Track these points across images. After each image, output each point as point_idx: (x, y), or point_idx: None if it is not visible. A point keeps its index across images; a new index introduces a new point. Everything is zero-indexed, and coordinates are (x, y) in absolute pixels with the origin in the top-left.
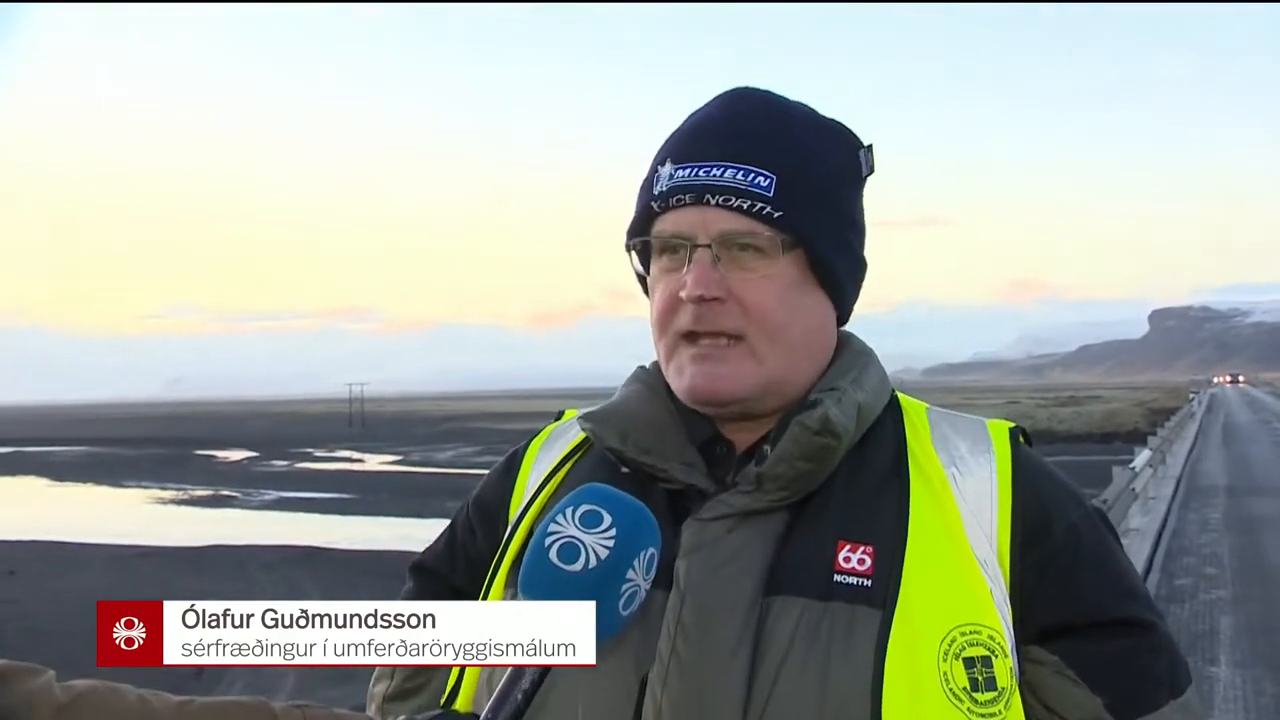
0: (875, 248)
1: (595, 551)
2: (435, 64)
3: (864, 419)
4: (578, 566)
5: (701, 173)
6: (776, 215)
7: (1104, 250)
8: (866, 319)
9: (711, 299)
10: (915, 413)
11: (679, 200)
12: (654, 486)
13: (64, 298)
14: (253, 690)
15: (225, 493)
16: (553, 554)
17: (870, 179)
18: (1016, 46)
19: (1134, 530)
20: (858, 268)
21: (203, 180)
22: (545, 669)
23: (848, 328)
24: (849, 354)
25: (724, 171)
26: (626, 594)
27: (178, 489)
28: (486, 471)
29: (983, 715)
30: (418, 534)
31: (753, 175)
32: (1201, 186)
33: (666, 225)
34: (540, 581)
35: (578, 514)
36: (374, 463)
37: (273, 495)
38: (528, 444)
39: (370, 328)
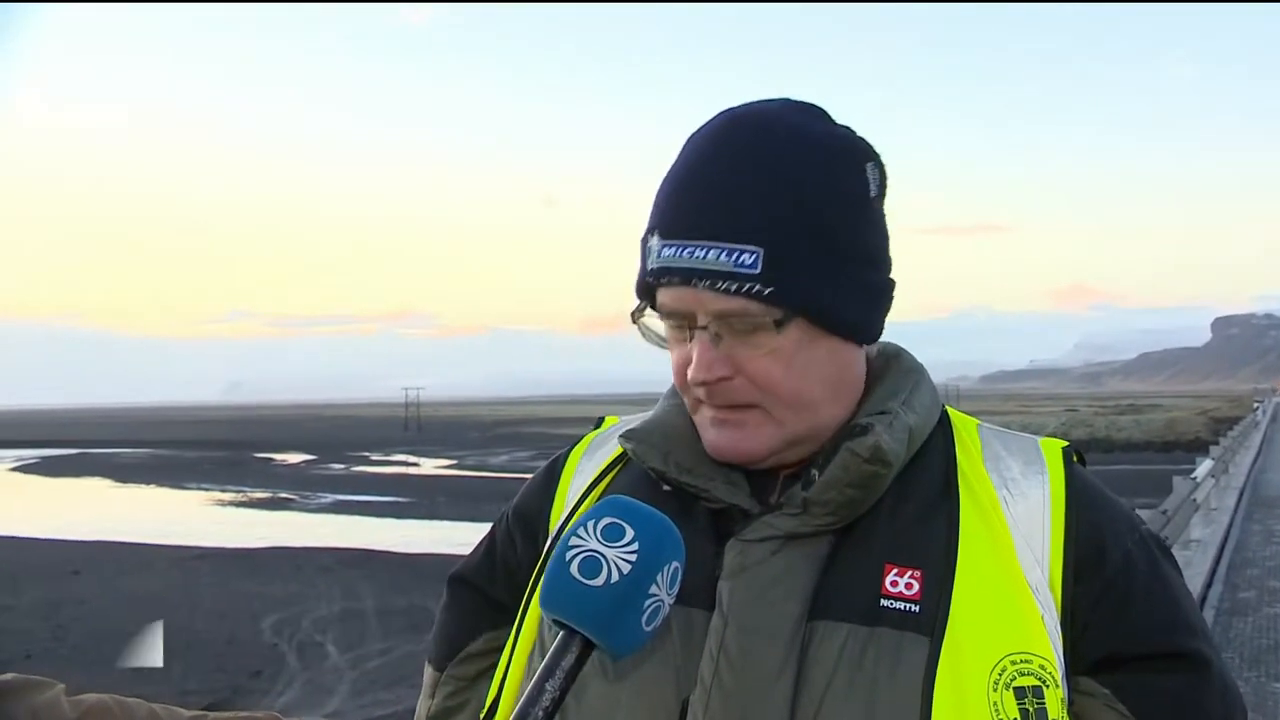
0: (934, 254)
1: (617, 566)
2: (487, 70)
3: (914, 441)
4: (599, 581)
5: (685, 253)
6: (768, 292)
7: (1164, 256)
8: (924, 325)
9: (717, 380)
10: (966, 430)
11: (669, 280)
12: (697, 505)
13: (128, 302)
14: (311, 690)
15: (283, 495)
16: (574, 568)
17: (923, 185)
18: (1077, 54)
19: (1195, 541)
20: (873, 298)
21: (265, 187)
22: (565, 688)
23: (902, 340)
24: (898, 372)
25: (707, 253)
26: (650, 609)
27: (237, 491)
28: None
29: None
30: (473, 538)
31: (737, 254)
32: (1267, 190)
33: (666, 300)
34: (561, 595)
35: (599, 527)
36: (430, 467)
37: (330, 498)
38: (568, 453)
39: (426, 332)
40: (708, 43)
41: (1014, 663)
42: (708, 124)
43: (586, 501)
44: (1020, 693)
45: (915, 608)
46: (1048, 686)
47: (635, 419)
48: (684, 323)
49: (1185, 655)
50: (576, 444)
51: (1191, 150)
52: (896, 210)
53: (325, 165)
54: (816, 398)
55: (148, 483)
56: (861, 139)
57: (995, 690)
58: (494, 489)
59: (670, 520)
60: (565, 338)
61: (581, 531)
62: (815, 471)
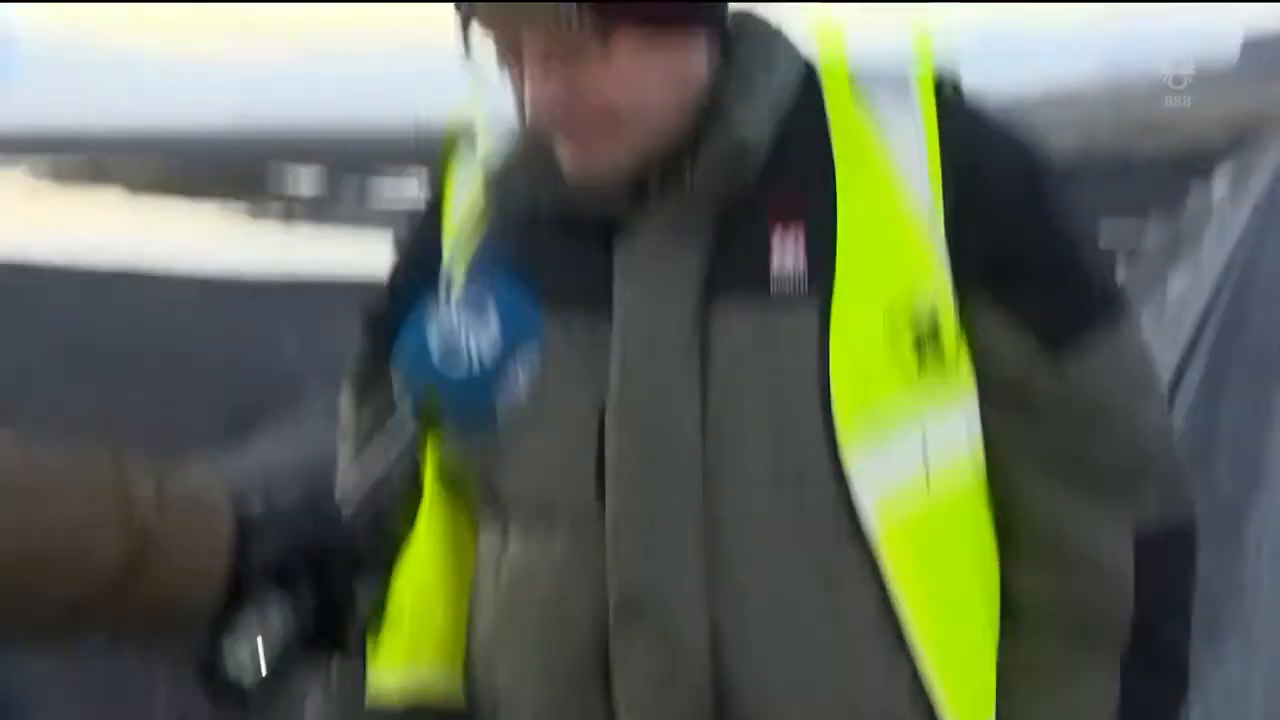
0: None
1: (478, 352)
2: None
3: (777, 110)
4: (458, 364)
5: None
6: (585, 7)
7: None
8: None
9: (556, 113)
10: (835, 78)
11: (484, 16)
12: (582, 218)
13: (140, 21)
14: (333, 413)
15: (302, 217)
16: (432, 345)
17: None
18: None
19: (1207, 249)
20: None
21: None
22: (398, 466)
23: None
24: (753, 40)
25: None
26: (507, 394)
27: (254, 205)
28: None
29: (934, 382)
30: None
31: None
32: None
33: (486, 25)
34: (413, 370)
35: (460, 308)
36: None
37: (350, 223)
38: (443, 169)
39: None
40: None
41: (906, 305)
42: None
43: (471, 233)
44: (917, 334)
45: (803, 270)
46: (942, 318)
47: (497, 158)
48: (510, 59)
49: (1057, 257)
50: (449, 154)
51: None
52: None
53: None
54: (658, 103)
55: (163, 195)
56: None
57: (891, 335)
58: None
59: (533, 305)
60: None
61: (442, 312)
62: (686, 161)
